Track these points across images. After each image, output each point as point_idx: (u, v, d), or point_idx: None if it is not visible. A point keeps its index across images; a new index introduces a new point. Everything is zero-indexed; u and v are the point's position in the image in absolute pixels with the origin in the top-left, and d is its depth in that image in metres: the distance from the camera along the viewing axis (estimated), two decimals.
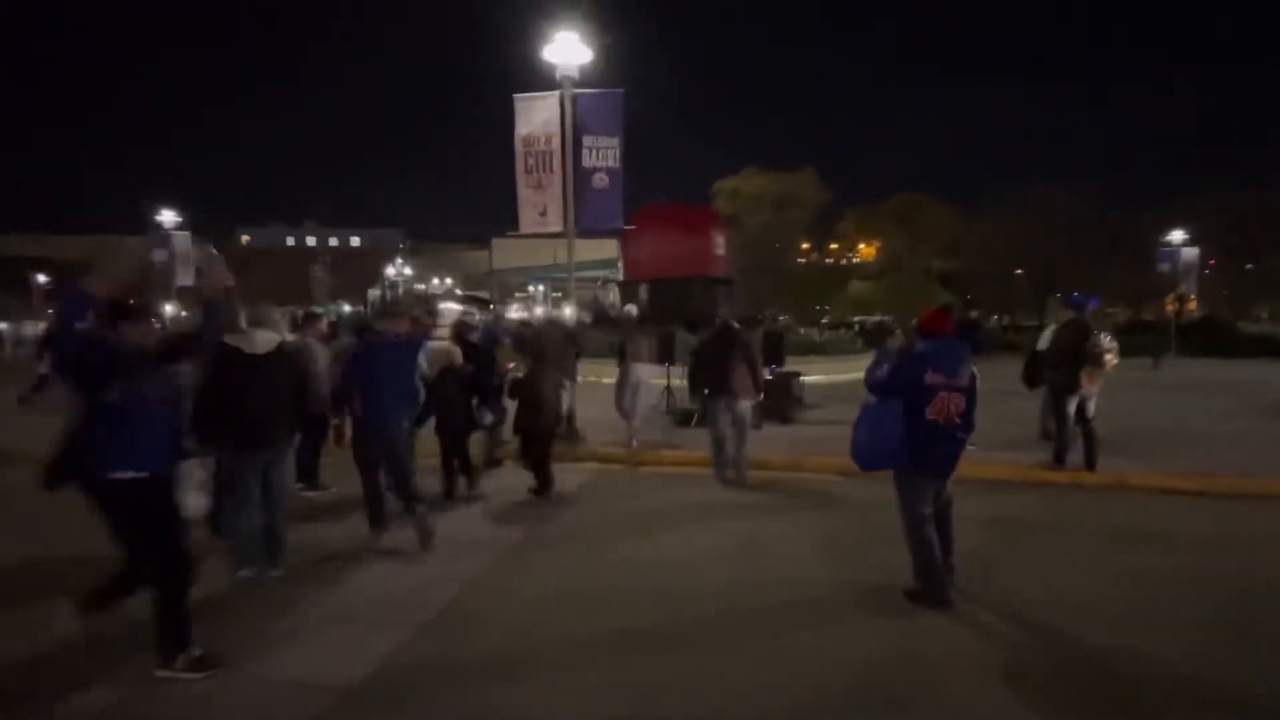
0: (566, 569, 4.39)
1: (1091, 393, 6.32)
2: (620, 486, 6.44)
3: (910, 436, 3.61)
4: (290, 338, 4.62)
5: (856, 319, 35.46)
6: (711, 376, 6.18)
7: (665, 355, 9.36)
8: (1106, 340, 6.20)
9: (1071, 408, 6.33)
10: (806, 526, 5.21)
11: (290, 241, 64.16)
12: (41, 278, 36.74)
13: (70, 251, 42.02)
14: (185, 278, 20.80)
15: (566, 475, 6.69)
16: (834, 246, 53.18)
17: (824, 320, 38.00)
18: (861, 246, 52.59)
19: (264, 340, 3.94)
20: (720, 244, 19.82)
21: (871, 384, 3.83)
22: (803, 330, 20.45)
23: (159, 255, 20.82)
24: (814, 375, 11.89)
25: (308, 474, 5.91)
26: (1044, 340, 7.51)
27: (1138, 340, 18.48)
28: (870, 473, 3.92)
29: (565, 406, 6.89)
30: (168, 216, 21.22)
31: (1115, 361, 6.27)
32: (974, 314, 8.57)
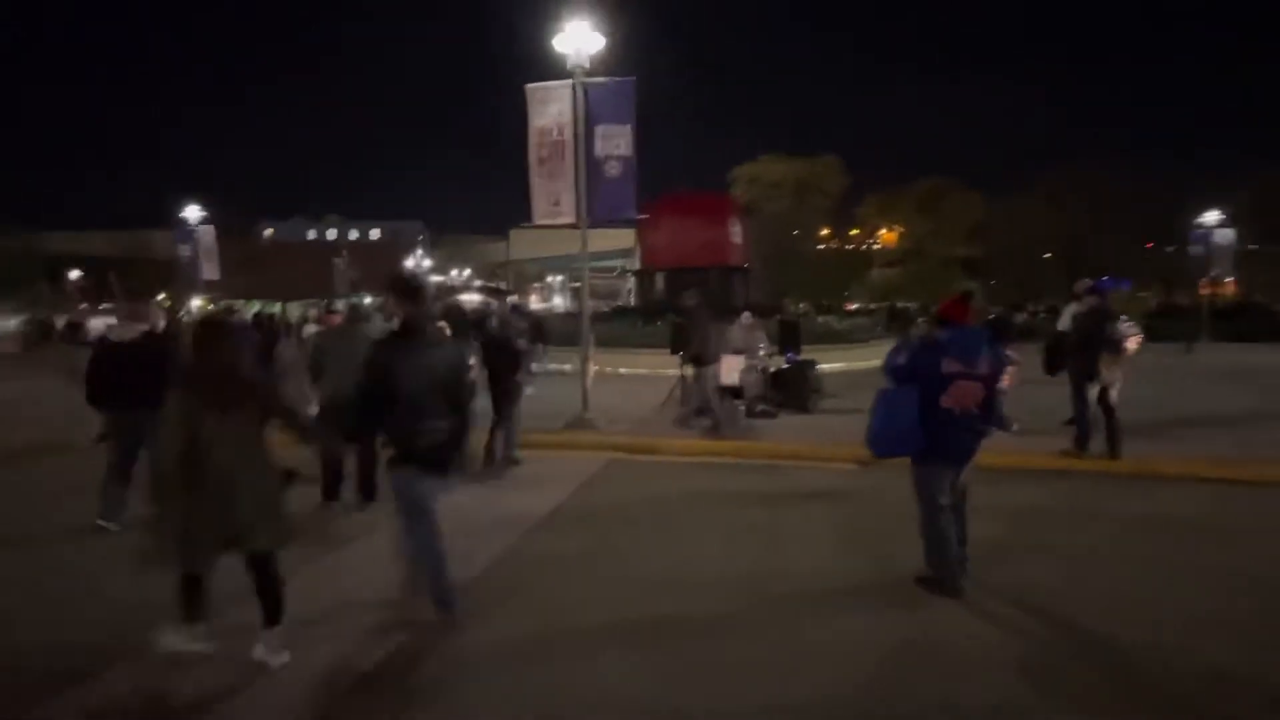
0: (582, 556, 4.42)
1: (1114, 379, 6.18)
2: (636, 475, 6.47)
3: (926, 424, 3.59)
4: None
5: (874, 306, 34.99)
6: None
7: (680, 344, 9.33)
8: (1127, 326, 6.06)
9: (1093, 394, 6.20)
10: (823, 516, 5.19)
11: (312, 235, 65.03)
12: (75, 273, 37.79)
13: (102, 248, 43.10)
14: (210, 272, 21.18)
15: (581, 465, 6.74)
16: (854, 233, 52.47)
17: (848, 308, 37.54)
18: (883, 233, 51.83)
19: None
20: (738, 232, 19.67)
21: (889, 370, 3.82)
22: (821, 318, 20.22)
23: (184, 250, 21.23)
24: (833, 363, 11.78)
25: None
26: (1063, 321, 7.38)
27: (1170, 325, 18.01)
28: (884, 459, 3.89)
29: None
30: (192, 212, 21.61)
31: (1136, 347, 6.13)
32: (998, 311, 8.39)
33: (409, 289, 3.32)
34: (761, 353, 9.44)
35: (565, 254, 38.33)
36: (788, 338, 9.76)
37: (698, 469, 6.62)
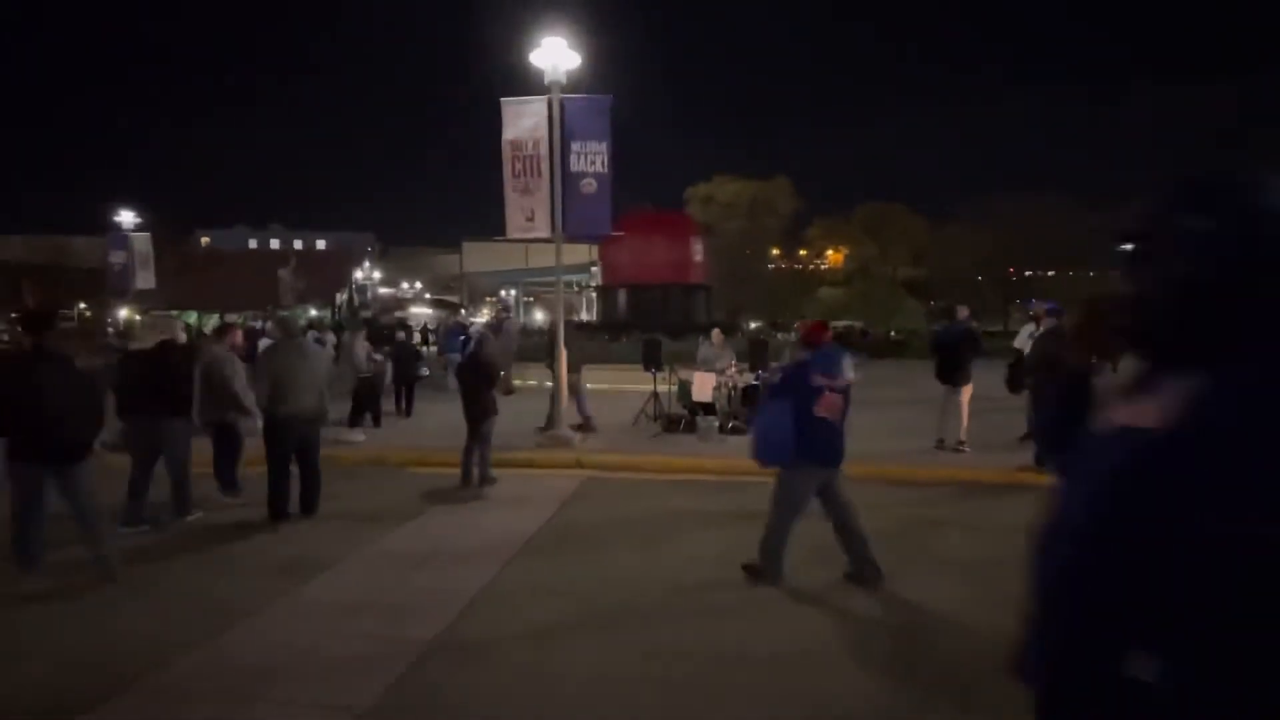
0: (566, 579, 4.33)
1: None
2: (613, 494, 6.40)
3: (804, 432, 3.94)
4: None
5: (832, 324, 36.05)
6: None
7: (652, 361, 9.36)
8: None
9: None
10: (796, 531, 5.22)
11: (253, 244, 62.32)
12: None
13: (23, 253, 40.12)
14: (146, 281, 20.00)
15: (559, 484, 6.63)
16: (802, 253, 53.97)
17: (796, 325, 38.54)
18: (829, 253, 53.55)
19: (149, 340, 5.42)
20: (698, 251, 19.97)
21: (768, 388, 4.20)
22: (779, 335, 20.69)
23: (116, 257, 19.96)
24: None
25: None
26: (1020, 339, 7.76)
27: None
28: (769, 467, 4.15)
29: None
30: (126, 217, 20.38)
31: None
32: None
33: (36, 322, 4.05)
34: (731, 369, 9.56)
35: (520, 268, 38.02)
36: (757, 355, 9.91)
37: (673, 486, 6.60)
